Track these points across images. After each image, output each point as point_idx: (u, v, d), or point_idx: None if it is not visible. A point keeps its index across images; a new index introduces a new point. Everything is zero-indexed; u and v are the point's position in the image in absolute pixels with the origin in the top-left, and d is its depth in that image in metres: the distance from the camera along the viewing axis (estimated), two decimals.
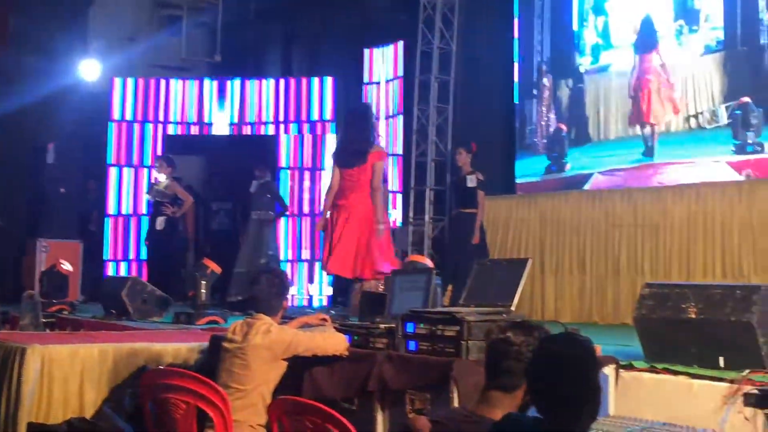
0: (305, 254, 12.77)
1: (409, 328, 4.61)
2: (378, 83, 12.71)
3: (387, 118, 12.49)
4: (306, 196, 12.86)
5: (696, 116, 9.54)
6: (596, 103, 10.62)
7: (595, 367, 2.76)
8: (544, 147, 11.15)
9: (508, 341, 3.14)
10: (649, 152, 9.96)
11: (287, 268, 12.63)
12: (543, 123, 11.27)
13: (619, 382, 4.58)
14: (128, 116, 13.02)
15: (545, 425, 2.70)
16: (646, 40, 10.15)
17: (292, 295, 12.60)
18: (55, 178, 12.98)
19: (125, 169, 12.98)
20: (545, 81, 11.32)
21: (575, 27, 11.00)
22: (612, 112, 10.45)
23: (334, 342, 4.83)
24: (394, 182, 11.88)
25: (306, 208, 12.83)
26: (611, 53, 10.61)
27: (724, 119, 9.26)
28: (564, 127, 10.98)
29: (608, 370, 4.54)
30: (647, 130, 10.01)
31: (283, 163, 12.91)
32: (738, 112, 9.11)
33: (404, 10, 12.16)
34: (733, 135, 9.10)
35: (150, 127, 13.07)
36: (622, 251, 9.38)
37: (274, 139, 13.07)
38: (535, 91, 11.41)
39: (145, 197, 11.78)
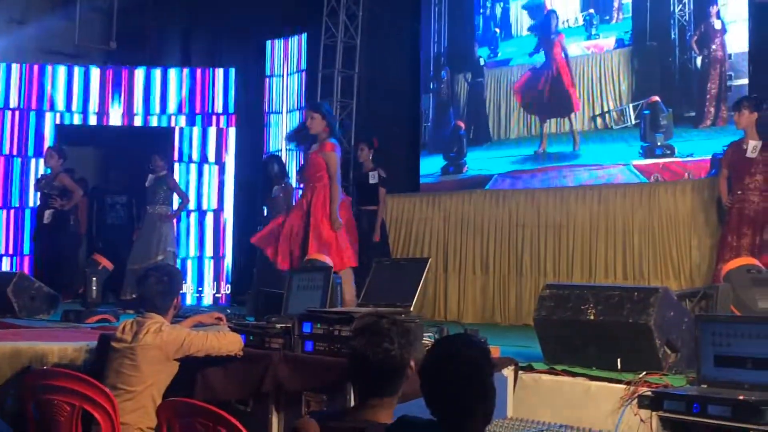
0: (209, 251, 12.64)
1: (306, 328, 4.62)
2: (280, 76, 12.65)
3: (289, 112, 12.44)
4: (205, 191, 12.72)
5: (603, 115, 9.65)
6: (496, 100, 10.67)
7: (490, 368, 2.79)
8: (442, 146, 11.16)
9: (387, 351, 3.08)
10: (549, 156, 10.05)
11: (189, 266, 12.49)
12: (440, 120, 11.26)
13: (517, 383, 4.64)
14: (16, 104, 12.68)
15: (439, 427, 2.72)
16: (549, 31, 10.17)
17: (200, 295, 12.47)
18: None
19: (13, 160, 12.64)
20: (443, 74, 11.28)
21: (474, 15, 10.92)
22: (513, 110, 10.53)
23: (228, 342, 4.80)
24: (295, 178, 11.83)
25: (206, 204, 12.69)
26: (512, 44, 10.57)
27: (632, 119, 9.35)
28: (462, 125, 11.00)
29: (507, 372, 4.60)
30: (549, 129, 10.12)
31: (181, 156, 12.74)
32: (647, 112, 9.18)
33: (308, 2, 12.12)
34: (642, 136, 9.20)
35: (40, 116, 12.74)
36: (525, 251, 9.49)
37: (172, 132, 12.90)
38: (432, 86, 11.38)
39: (33, 189, 11.48)
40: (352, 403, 4.06)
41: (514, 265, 9.59)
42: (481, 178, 10.61)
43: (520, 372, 4.67)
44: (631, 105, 9.37)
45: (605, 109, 9.64)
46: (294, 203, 8.95)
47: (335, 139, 7.63)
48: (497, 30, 10.75)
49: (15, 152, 12.64)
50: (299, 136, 7.88)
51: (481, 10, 10.88)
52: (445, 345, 2.81)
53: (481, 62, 10.84)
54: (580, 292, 4.89)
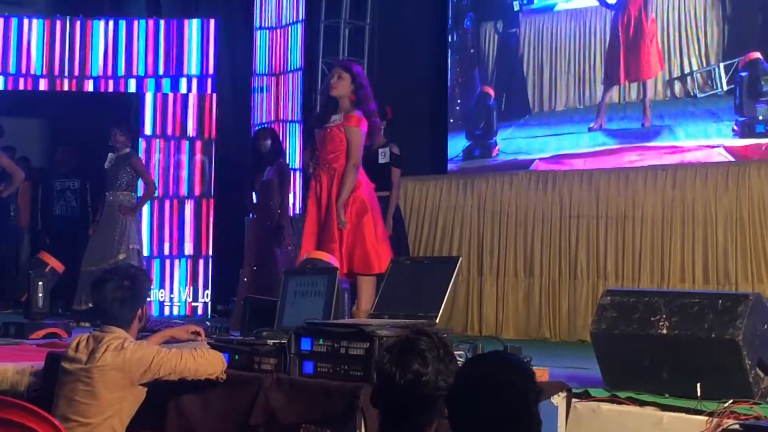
0: (188, 248, 12.67)
1: (305, 344, 4.63)
2: (273, 28, 12.65)
3: (283, 74, 12.45)
4: (181, 174, 12.73)
5: (683, 78, 9.50)
6: (537, 58, 10.56)
7: (535, 395, 2.79)
8: (464, 120, 11.06)
9: (417, 374, 3.10)
10: (610, 133, 9.95)
11: (157, 268, 12.51)
12: (461, 85, 11.14)
13: (571, 414, 4.65)
14: None
15: None
16: None
17: (172, 303, 12.49)
18: None
19: None
20: (466, 23, 11.14)
21: None
22: (561, 72, 10.43)
23: (207, 362, 4.81)
24: (293, 158, 11.85)
25: (180, 190, 12.71)
26: None
27: (723, 84, 9.18)
28: (491, 92, 10.91)
29: (558, 400, 4.60)
30: (611, 98, 10.01)
31: (148, 129, 12.77)
32: (744, 73, 8.95)
33: None
34: (737, 108, 9.01)
35: None
36: (581, 249, 9.48)
37: (137, 99, 12.91)
38: (451, 38, 11.28)
39: None
40: None
41: (566, 265, 9.59)
42: (516, 164, 10.55)
43: (573, 400, 4.68)
44: (721, 65, 9.15)
45: (686, 71, 9.47)
46: (306, 190, 8.96)
47: (362, 112, 7.58)
48: None
49: None
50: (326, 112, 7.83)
51: None
52: (478, 366, 2.82)
53: (516, 6, 10.70)
54: (650, 299, 4.89)
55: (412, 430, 2.99)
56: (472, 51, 11.10)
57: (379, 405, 3.05)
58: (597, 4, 10.22)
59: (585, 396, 4.73)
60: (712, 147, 9.17)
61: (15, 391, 5.48)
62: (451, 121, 11.29)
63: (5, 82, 12.86)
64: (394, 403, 3.01)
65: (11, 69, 12.84)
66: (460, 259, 5.01)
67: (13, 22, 12.89)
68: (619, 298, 5.02)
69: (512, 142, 10.72)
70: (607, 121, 10.09)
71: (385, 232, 7.81)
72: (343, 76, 7.61)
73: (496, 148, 10.83)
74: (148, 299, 5.02)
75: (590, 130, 10.16)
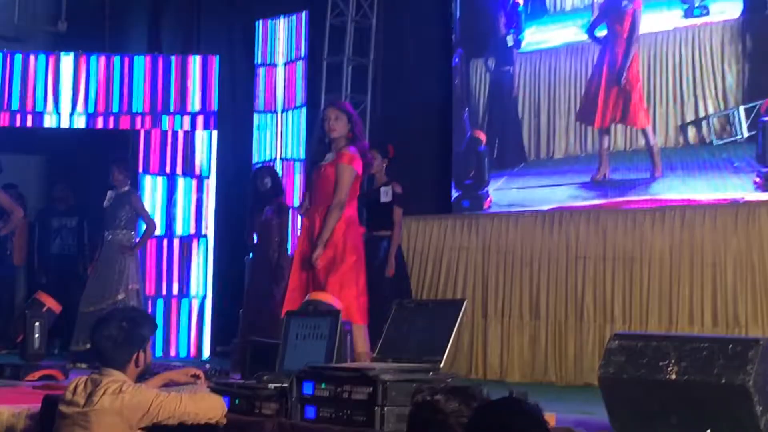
0: (184, 289, 12.64)
1: (307, 389, 4.64)
2: (275, 66, 12.70)
3: (285, 111, 12.48)
4: (179, 212, 12.73)
5: (697, 123, 9.18)
6: (534, 98, 10.34)
7: None
8: (453, 168, 10.84)
9: (436, 408, 3.14)
10: (614, 186, 9.68)
11: (156, 308, 12.48)
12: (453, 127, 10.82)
13: None
14: None
15: None
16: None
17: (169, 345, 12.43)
18: None
19: None
20: (455, 61, 10.89)
21: None
22: (561, 115, 10.20)
23: (207, 406, 4.80)
24: (295, 196, 11.86)
25: (179, 229, 12.70)
26: (559, 22, 10.08)
27: (743, 129, 8.75)
28: (482, 137, 10.70)
29: None
30: (613, 143, 9.77)
31: (147, 167, 12.78)
32: (767, 118, 8.54)
33: None
34: (759, 157, 8.66)
35: None
36: (588, 291, 9.45)
37: (136, 135, 12.94)
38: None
39: None
40: None
41: (572, 308, 9.56)
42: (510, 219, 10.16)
43: None
44: (741, 108, 8.70)
45: (701, 115, 9.08)
46: (298, 228, 8.96)
47: (356, 149, 7.60)
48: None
49: None
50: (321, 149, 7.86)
51: None
52: (488, 414, 2.81)
53: (509, 41, 10.32)
54: (659, 344, 4.87)
55: None
56: (460, 91, 10.86)
57: None
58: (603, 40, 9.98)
59: None
60: (731, 201, 8.84)
61: None
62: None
63: (4, 118, 12.90)
64: None
65: (10, 105, 12.87)
66: (465, 302, 5.01)
67: (17, 58, 12.94)
68: (627, 342, 5.01)
69: (506, 194, 10.50)
70: (612, 170, 9.82)
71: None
72: (340, 117, 7.62)
73: (488, 199, 10.60)
74: (149, 342, 4.97)
75: (593, 180, 9.87)
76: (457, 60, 10.97)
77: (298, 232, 8.47)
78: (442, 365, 4.73)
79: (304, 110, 12.23)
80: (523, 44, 10.37)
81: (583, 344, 9.39)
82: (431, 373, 4.53)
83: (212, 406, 4.81)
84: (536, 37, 10.36)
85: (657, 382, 4.74)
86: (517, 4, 10.37)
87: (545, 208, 10.06)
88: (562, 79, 10.24)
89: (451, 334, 4.82)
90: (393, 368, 4.55)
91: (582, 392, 8.27)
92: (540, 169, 10.34)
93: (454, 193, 10.94)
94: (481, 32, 10.69)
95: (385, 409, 4.29)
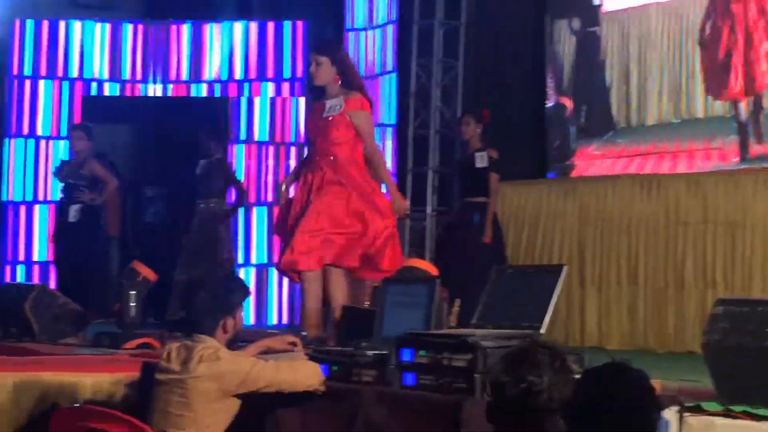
0: (275, 257, 12.71)
1: (406, 355, 4.65)
2: (364, 29, 12.70)
3: (376, 76, 12.49)
4: (270, 179, 12.82)
5: None
6: (624, 63, 10.23)
7: (652, 409, 2.79)
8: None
9: (531, 384, 3.07)
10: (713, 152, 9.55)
11: (252, 276, 12.60)
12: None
13: (683, 429, 4.60)
14: (32, 71, 12.96)
15: None
16: None
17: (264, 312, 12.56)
18: None
19: (27, 141, 12.94)
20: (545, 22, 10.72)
21: None
22: (653, 79, 10.10)
23: (304, 374, 4.84)
24: (388, 159, 11.88)
25: (271, 196, 12.79)
26: None
27: None
28: (568, 104, 10.67)
29: (669, 414, 4.56)
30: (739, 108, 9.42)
31: (239, 134, 12.89)
32: None
33: None
34: None
35: (60, 85, 13.02)
36: (688, 257, 9.40)
37: (226, 103, 13.05)
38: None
39: (54, 179, 11.75)
40: None
41: (672, 274, 9.51)
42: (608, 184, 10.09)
43: (685, 414, 4.63)
44: None
45: None
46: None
47: (359, 93, 7.40)
48: None
49: (27, 132, 12.91)
50: None
51: None
52: (597, 381, 2.81)
53: (596, 1, 10.09)
54: (764, 309, 4.83)
55: None
56: (548, 54, 10.68)
57: (493, 420, 3.04)
58: None
59: (697, 410, 4.67)
60: None
61: (111, 402, 5.59)
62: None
63: (96, 88, 13.08)
64: (506, 416, 3.00)
65: (111, 74, 13.05)
66: (566, 267, 4.99)
67: (103, 27, 13.10)
68: (731, 307, 4.96)
69: (593, 163, 10.47)
70: (709, 137, 9.58)
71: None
72: (320, 61, 7.38)
73: (574, 168, 10.58)
74: (240, 308, 5.03)
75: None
76: (546, 22, 10.85)
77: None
78: (542, 331, 4.73)
79: (394, 75, 12.22)
80: (609, 1, 10.10)
81: (684, 311, 9.34)
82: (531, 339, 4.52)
83: (310, 374, 4.85)
84: None
85: (763, 348, 4.70)
86: None
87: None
88: (653, 39, 10.02)
89: (552, 300, 4.82)
90: (493, 335, 4.56)
91: (684, 360, 8.23)
92: (630, 137, 10.19)
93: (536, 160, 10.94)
94: None
95: (485, 376, 4.29)
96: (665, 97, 9.96)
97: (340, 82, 7.42)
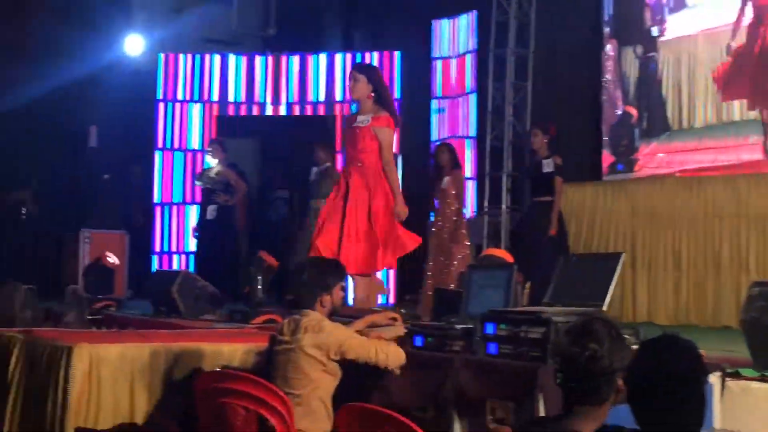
0: None
1: (489, 329, 4.65)
2: (448, 58, 12.69)
3: (458, 96, 12.47)
4: None
5: None
6: (676, 80, 10.15)
7: (702, 375, 2.76)
8: (609, 138, 10.78)
9: (594, 352, 3.04)
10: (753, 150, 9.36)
11: None
12: (607, 104, 10.83)
13: (725, 392, 4.54)
14: (175, 96, 13.14)
15: None
16: None
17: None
18: (98, 164, 13.17)
19: (173, 154, 13.12)
20: (608, 48, 10.84)
21: None
22: (699, 92, 9.97)
23: (391, 357, 4.87)
24: (467, 168, 11.87)
25: None
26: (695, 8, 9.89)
27: None
28: (633, 112, 10.60)
29: (713, 379, 4.51)
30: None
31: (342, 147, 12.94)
32: None
33: None
34: None
35: (199, 107, 13.18)
36: (724, 245, 9.26)
37: (333, 121, 13.12)
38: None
39: (195, 184, 11.90)
40: (541, 413, 4.09)
41: (711, 260, 9.37)
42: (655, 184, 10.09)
43: (726, 379, 4.57)
44: None
45: None
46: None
47: (387, 113, 7.22)
48: None
49: (177, 146, 13.09)
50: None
51: None
52: (655, 351, 2.78)
53: (654, 32, 10.27)
54: None
55: (593, 404, 2.95)
56: (613, 75, 10.79)
57: (562, 385, 3.02)
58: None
59: (737, 376, 4.61)
60: None
61: (244, 368, 5.62)
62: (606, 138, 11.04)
63: (227, 109, 13.22)
64: (574, 381, 2.97)
65: (240, 97, 13.19)
66: (623, 254, 4.96)
67: (236, 59, 13.24)
68: (766, 289, 4.87)
69: (654, 158, 10.37)
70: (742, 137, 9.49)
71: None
72: (358, 78, 7.25)
73: (639, 163, 10.50)
74: (340, 286, 5.06)
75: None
76: (611, 49, 10.86)
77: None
78: (604, 308, 4.70)
79: (474, 96, 12.19)
80: (665, 33, 10.32)
81: (721, 291, 9.21)
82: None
83: (395, 357, 4.88)
84: (676, 26, 10.25)
85: None
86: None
87: (689, 167, 9.88)
88: (699, 60, 10.00)
89: (612, 281, 4.79)
90: (562, 311, 4.54)
91: (722, 333, 8.12)
92: (683, 136, 10.16)
93: (610, 159, 10.83)
94: (630, 25, 10.65)
95: (553, 346, 4.27)
96: (709, 105, 9.92)
97: (373, 99, 7.30)
